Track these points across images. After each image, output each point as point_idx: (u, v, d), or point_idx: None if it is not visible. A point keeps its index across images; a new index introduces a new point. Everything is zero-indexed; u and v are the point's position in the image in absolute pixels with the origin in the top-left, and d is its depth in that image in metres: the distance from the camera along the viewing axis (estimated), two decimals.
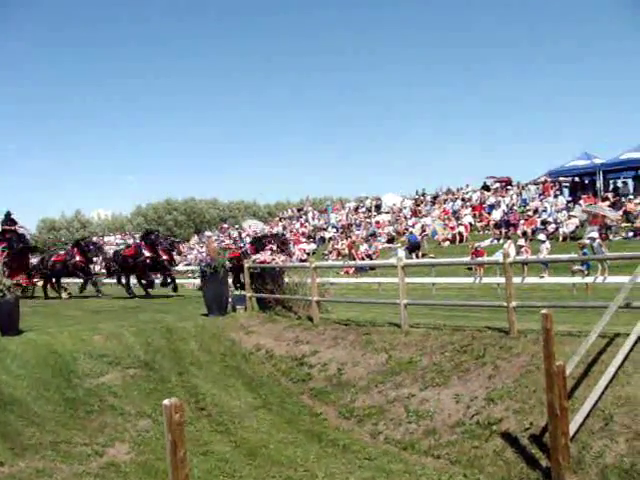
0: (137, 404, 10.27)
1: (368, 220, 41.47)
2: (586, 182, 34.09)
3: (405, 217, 39.20)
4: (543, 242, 25.46)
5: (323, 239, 40.67)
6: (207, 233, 52.71)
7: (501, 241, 29.08)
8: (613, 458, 7.19)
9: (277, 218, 53.45)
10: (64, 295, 24.60)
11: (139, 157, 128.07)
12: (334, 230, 41.65)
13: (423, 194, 43.49)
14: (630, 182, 33.09)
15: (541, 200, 34.07)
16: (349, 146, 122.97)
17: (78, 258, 23.79)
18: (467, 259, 24.50)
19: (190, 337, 13.30)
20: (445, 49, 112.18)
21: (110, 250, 31.62)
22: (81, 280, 24.91)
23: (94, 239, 27.62)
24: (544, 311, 7.35)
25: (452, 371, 9.94)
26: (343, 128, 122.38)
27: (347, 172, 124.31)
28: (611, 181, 33.74)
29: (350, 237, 37.48)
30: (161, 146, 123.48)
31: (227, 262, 16.27)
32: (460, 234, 32.50)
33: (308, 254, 32.77)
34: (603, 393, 7.92)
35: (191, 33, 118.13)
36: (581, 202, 30.42)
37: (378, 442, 9.21)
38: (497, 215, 33.48)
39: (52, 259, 24.92)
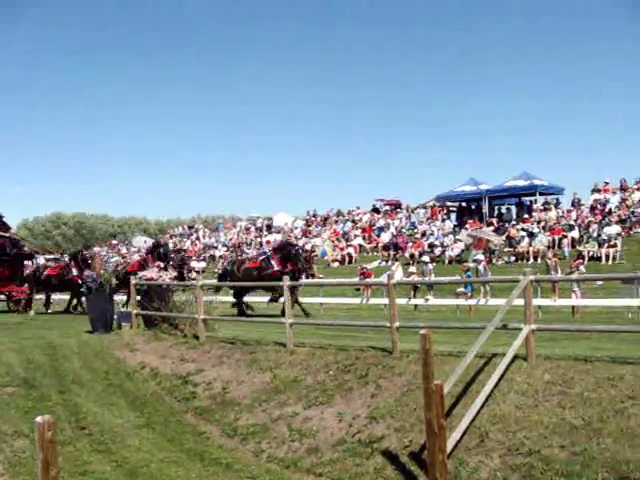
0: (14, 423, 9.83)
1: (259, 239, 41.43)
2: (472, 207, 35.24)
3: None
4: (426, 264, 26.15)
5: (213, 257, 40.30)
6: (95, 249, 51.18)
7: (389, 263, 29.63)
8: (487, 473, 7.42)
9: (167, 235, 52.57)
10: (31, 313, 22.87)
11: (28, 167, 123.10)
12: (224, 248, 41.36)
13: (314, 215, 43.83)
14: (513, 208, 34.53)
15: (429, 224, 35.01)
16: (243, 164, 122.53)
17: (75, 273, 22.16)
18: (355, 280, 24.89)
19: (73, 354, 12.93)
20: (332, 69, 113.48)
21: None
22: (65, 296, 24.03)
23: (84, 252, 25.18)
24: (423, 332, 7.53)
25: (335, 390, 10.03)
26: (236, 145, 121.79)
27: (240, 190, 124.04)
28: (496, 207, 35.01)
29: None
30: (51, 157, 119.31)
31: (113, 279, 15.94)
32: (349, 255, 32.92)
33: (198, 272, 32.42)
34: (479, 411, 8.18)
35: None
36: (467, 226, 31.51)
37: (261, 461, 9.16)
38: (386, 237, 34.13)
39: (46, 272, 23.50)
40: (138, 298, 15.91)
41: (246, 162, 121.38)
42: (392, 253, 31.50)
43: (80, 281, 19.68)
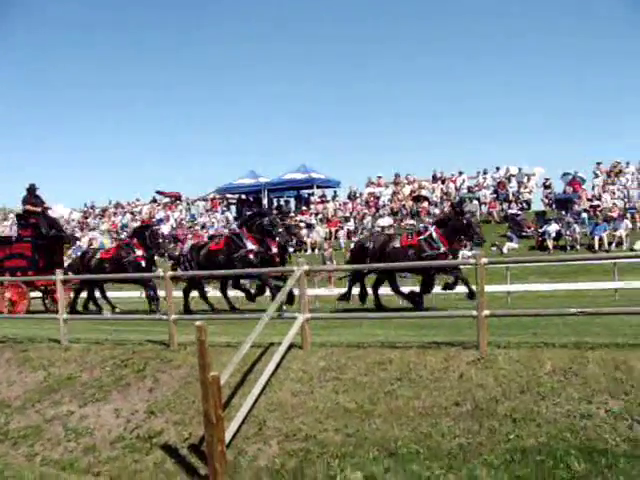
0: None
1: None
2: (251, 199, 35.67)
3: (74, 229, 37.78)
4: None
5: None
6: None
7: None
8: (266, 460, 7.55)
9: None
10: (106, 314, 16.55)
11: None
12: None
13: (92, 206, 42.22)
14: (292, 201, 35.41)
15: (209, 215, 34.97)
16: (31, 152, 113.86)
17: (140, 253, 16.55)
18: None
19: None
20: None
21: None
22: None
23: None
24: (198, 323, 7.49)
25: (112, 386, 9.69)
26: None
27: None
28: (275, 199, 35.68)
29: None
30: None
31: None
32: None
33: None
34: (257, 400, 8.29)
35: None
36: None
37: (35, 464, 8.63)
38: (166, 229, 33.66)
39: (98, 256, 17.31)
40: None
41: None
42: (173, 245, 31.09)
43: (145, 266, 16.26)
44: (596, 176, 29.38)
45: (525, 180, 30.17)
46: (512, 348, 8.44)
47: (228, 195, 36.92)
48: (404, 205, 30.46)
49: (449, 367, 8.31)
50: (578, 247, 24.66)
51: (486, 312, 8.61)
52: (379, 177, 33.88)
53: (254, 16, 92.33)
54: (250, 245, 15.00)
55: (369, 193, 32.83)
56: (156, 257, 17.26)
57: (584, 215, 25.77)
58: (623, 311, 10.59)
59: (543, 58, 74.56)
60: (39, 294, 18.82)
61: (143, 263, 16.35)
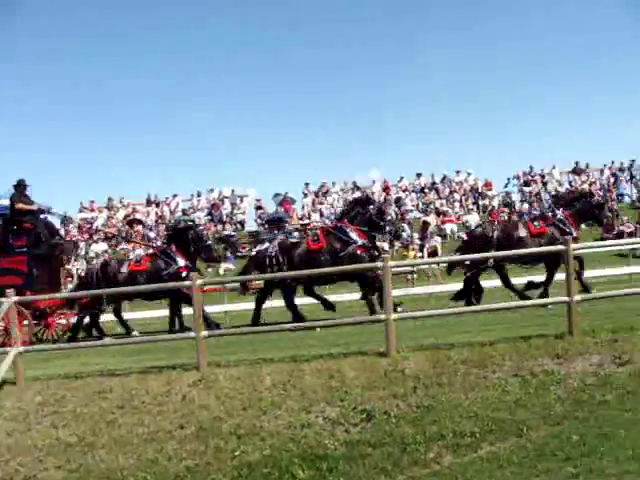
0: None
1: None
2: None
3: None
4: None
5: None
6: None
7: None
8: None
9: None
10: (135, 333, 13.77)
11: None
12: None
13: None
14: None
15: None
16: None
17: (183, 263, 13.56)
18: None
19: None
20: None
21: None
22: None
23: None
24: None
25: None
26: None
27: None
28: None
29: None
30: None
31: None
32: None
33: None
34: None
35: None
36: None
37: None
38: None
39: (125, 268, 13.83)
40: None
41: None
42: None
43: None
44: (305, 196, 30.99)
45: (238, 201, 30.96)
46: (232, 366, 8.65)
47: None
48: (119, 230, 29.76)
49: (171, 390, 8.29)
50: None
51: (204, 333, 8.73)
52: (92, 202, 32.76)
53: None
54: (359, 240, 12.88)
55: (82, 218, 31.60)
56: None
57: (295, 234, 26.99)
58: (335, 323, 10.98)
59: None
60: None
61: (184, 274, 13.37)
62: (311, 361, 8.46)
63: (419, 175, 31.81)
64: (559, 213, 13.12)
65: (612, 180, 30.14)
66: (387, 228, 13.32)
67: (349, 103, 63.55)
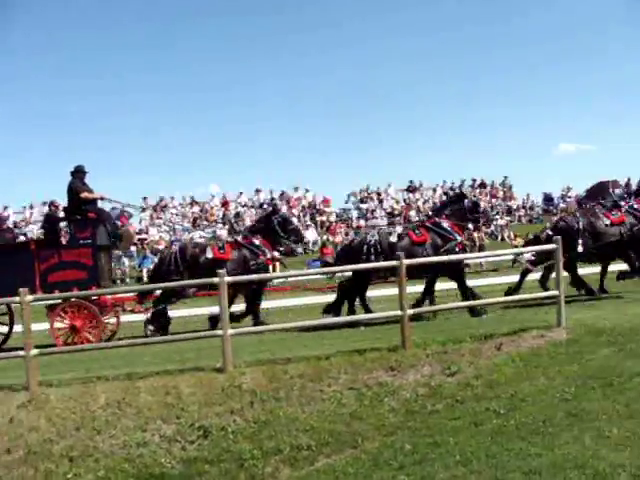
0: None
1: None
2: None
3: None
4: None
5: None
6: None
7: None
8: None
9: None
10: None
11: None
12: None
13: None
14: None
15: None
16: None
17: (270, 255, 13.33)
18: None
19: None
20: None
21: None
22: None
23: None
24: None
25: None
26: None
27: None
28: None
29: None
30: None
31: None
32: None
33: None
34: None
35: None
36: None
37: None
38: None
39: (209, 254, 12.83)
40: None
41: None
42: None
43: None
44: (143, 210, 30.43)
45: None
46: (65, 386, 8.35)
47: None
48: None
49: None
50: (128, 280, 25.39)
51: (34, 352, 8.42)
52: None
53: None
54: (458, 236, 12.48)
55: None
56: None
57: (133, 248, 26.56)
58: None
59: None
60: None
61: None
62: (147, 378, 8.33)
63: (258, 191, 32.31)
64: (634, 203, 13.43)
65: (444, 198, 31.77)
66: (480, 221, 13.65)
67: (192, 121, 63.81)
